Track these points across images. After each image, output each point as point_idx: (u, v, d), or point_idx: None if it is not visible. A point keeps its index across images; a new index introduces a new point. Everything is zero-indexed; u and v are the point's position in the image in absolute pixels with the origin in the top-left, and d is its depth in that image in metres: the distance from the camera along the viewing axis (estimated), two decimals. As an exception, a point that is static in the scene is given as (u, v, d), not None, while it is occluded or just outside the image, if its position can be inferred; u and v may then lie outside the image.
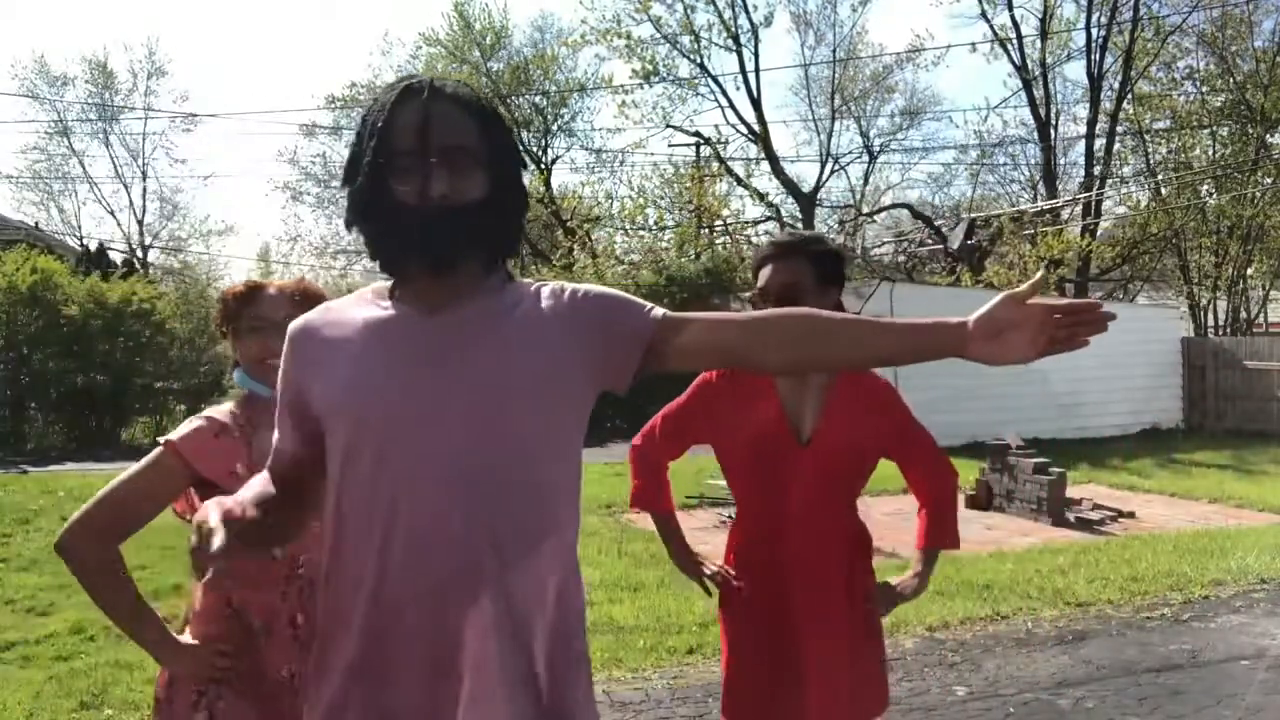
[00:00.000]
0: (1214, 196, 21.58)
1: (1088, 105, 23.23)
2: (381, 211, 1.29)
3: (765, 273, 2.20)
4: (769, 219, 27.08)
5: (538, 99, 29.47)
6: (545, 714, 1.27)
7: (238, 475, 1.84)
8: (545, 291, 1.38)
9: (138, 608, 1.88)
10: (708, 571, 2.38)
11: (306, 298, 2.04)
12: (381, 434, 1.27)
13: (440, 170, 1.26)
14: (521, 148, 1.39)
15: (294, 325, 1.40)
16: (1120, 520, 8.48)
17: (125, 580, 1.91)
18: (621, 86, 25.42)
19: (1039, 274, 1.31)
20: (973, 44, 25.43)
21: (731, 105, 26.10)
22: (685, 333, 1.33)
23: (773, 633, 2.23)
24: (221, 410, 2.01)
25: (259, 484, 1.42)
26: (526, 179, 1.39)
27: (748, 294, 2.20)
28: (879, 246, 30.01)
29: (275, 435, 1.44)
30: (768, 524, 2.29)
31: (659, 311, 1.36)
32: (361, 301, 1.38)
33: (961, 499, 9.35)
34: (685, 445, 2.46)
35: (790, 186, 26.52)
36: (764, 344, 1.34)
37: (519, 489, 1.28)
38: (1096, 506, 8.78)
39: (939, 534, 2.42)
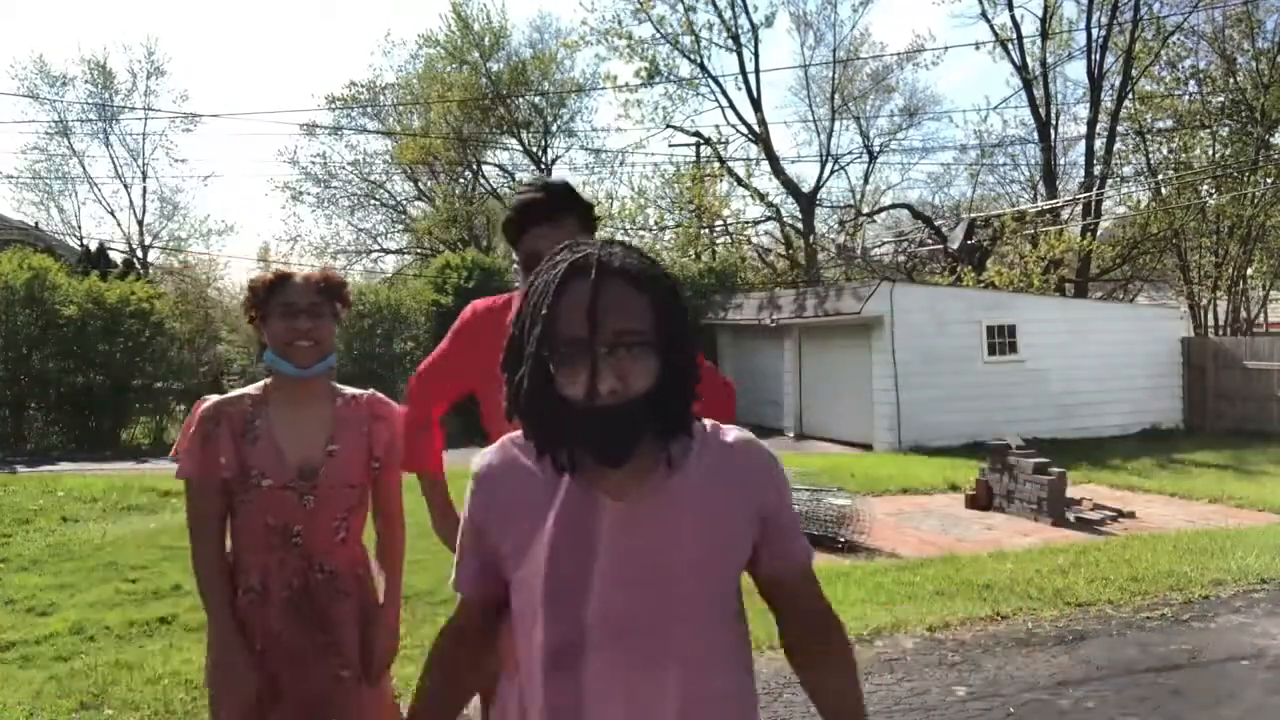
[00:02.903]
0: (1214, 196, 21.58)
1: (1088, 105, 23.25)
2: (545, 406, 1.22)
3: (534, 237, 2.02)
4: (769, 219, 27.09)
5: (537, 99, 29.49)
6: None
7: (223, 466, 2.16)
8: (727, 457, 1.34)
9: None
10: None
11: (329, 285, 2.25)
12: (569, 630, 1.28)
13: (609, 359, 1.18)
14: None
15: (480, 469, 1.37)
16: (1120, 520, 8.48)
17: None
18: (625, 85, 25.42)
19: None
20: (976, 43, 25.44)
21: (732, 105, 26.11)
22: (797, 589, 1.38)
23: None
24: (230, 400, 2.23)
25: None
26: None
27: (515, 263, 2.00)
28: (879, 246, 30.01)
29: (460, 579, 1.42)
30: None
31: (807, 557, 1.39)
32: (535, 462, 1.33)
33: (961, 499, 9.38)
34: (455, 392, 2.38)
35: (790, 186, 26.51)
36: (805, 654, 1.41)
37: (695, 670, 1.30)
38: (1096, 506, 8.78)
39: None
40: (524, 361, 1.23)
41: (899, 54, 30.21)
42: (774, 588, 1.38)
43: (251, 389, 2.25)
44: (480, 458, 1.38)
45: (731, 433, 1.36)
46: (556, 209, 2.05)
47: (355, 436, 2.25)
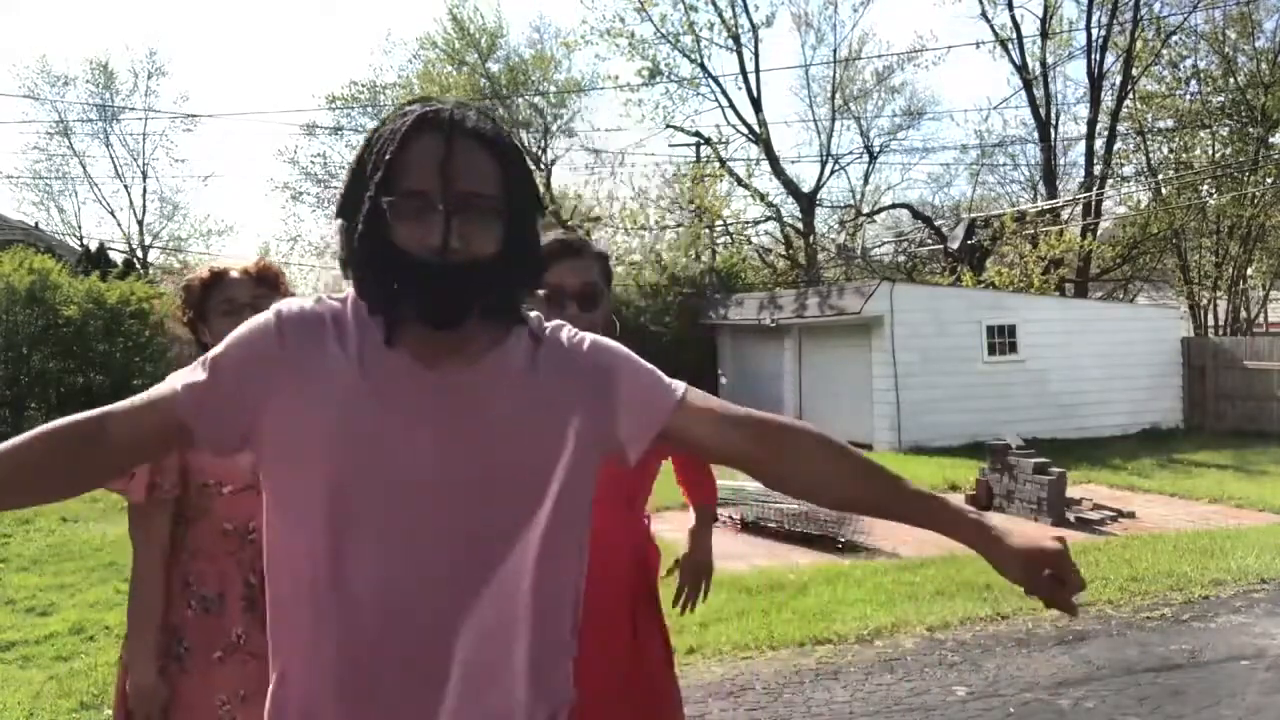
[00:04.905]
0: (1214, 196, 21.58)
1: (1088, 105, 23.25)
2: (381, 258, 1.13)
3: (560, 271, 2.08)
4: (769, 219, 27.08)
5: (537, 100, 29.48)
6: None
7: (173, 486, 2.05)
8: (558, 344, 1.24)
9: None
10: None
11: (266, 277, 2.20)
12: (364, 498, 1.13)
13: (453, 219, 1.11)
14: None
15: (274, 314, 1.19)
16: (1120, 520, 8.48)
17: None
18: (626, 84, 25.41)
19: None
20: (976, 43, 25.53)
21: (732, 105, 26.07)
22: (702, 425, 1.24)
23: None
24: None
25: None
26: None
27: (542, 292, 2.01)
28: (879, 246, 29.99)
29: (184, 390, 1.19)
30: None
31: (679, 391, 1.25)
32: (345, 321, 1.19)
33: (961, 499, 9.39)
34: None
35: (790, 186, 26.49)
36: (781, 457, 1.26)
37: (514, 572, 1.17)
38: (1096, 506, 8.78)
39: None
40: (361, 209, 1.14)
41: (900, 54, 30.27)
42: (684, 441, 1.26)
43: None
44: (293, 300, 1.22)
45: (581, 333, 1.28)
46: (582, 249, 2.15)
47: None
